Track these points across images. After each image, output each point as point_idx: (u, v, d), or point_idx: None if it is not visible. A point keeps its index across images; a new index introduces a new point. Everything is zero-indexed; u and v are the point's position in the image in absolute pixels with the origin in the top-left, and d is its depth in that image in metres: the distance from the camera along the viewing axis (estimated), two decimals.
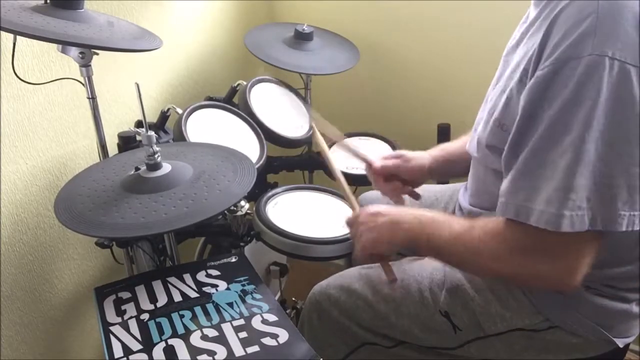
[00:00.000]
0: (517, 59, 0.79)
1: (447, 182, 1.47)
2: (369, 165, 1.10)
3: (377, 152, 1.42)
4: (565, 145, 0.65)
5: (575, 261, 0.69)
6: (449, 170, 1.12)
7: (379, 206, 0.90)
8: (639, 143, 0.64)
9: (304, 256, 1.01)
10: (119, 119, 1.27)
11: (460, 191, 1.02)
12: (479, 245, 0.76)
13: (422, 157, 1.09)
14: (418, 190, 1.14)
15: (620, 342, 0.84)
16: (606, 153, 0.64)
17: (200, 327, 0.75)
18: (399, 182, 1.09)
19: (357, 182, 1.36)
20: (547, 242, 0.69)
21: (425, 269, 0.95)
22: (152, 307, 0.80)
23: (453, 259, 0.82)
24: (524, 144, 0.70)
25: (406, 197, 1.12)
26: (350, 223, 0.93)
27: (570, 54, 0.65)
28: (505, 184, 0.73)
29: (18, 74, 0.97)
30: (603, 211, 0.65)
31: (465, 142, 1.02)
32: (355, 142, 1.48)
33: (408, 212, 0.87)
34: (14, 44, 0.92)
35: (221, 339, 0.73)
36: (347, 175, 1.33)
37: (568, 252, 0.69)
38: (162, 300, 0.81)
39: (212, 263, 0.90)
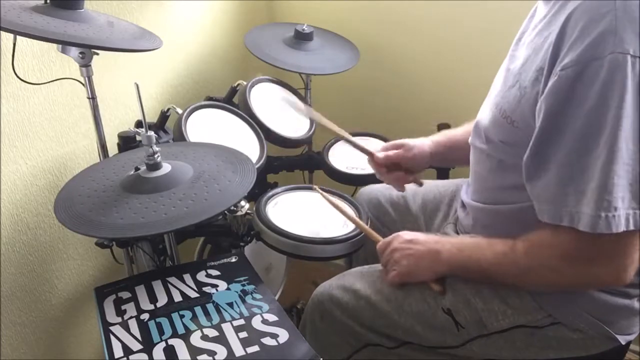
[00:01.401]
0: (526, 54, 0.79)
1: (448, 177, 1.47)
2: (371, 156, 1.10)
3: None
4: (602, 145, 0.66)
5: (628, 258, 0.71)
6: (451, 156, 1.12)
7: (414, 234, 0.92)
8: None
9: (304, 256, 1.01)
10: (119, 119, 1.27)
11: (463, 188, 1.02)
12: (526, 259, 0.77)
13: (424, 143, 1.10)
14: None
15: (622, 339, 0.84)
16: (635, 150, 0.65)
17: (201, 327, 0.75)
18: (402, 171, 1.09)
19: (357, 182, 1.37)
20: (599, 245, 0.70)
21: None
22: (152, 307, 0.80)
23: (504, 279, 0.83)
24: (554, 148, 0.70)
25: (409, 185, 1.12)
26: (383, 248, 0.94)
27: (592, 53, 0.65)
28: (545, 189, 0.73)
29: (18, 74, 0.97)
30: (634, 210, 0.66)
31: (468, 130, 1.02)
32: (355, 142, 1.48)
33: (446, 241, 0.89)
34: (14, 44, 0.92)
35: (221, 339, 0.73)
36: (347, 175, 1.34)
37: (620, 251, 0.71)
38: (162, 300, 0.81)
39: (212, 263, 0.90)
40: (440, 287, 0.89)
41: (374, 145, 1.47)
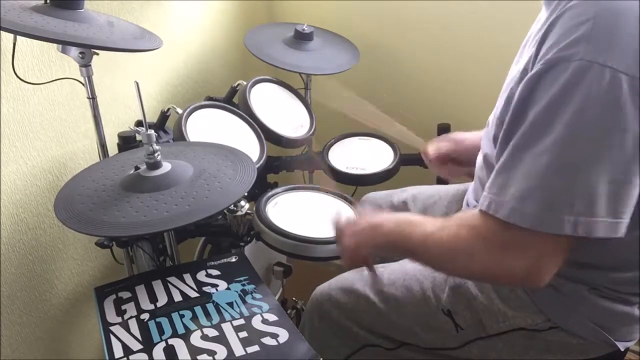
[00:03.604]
0: (525, 59, 0.79)
1: (447, 182, 1.47)
2: (425, 153, 1.11)
3: (377, 152, 1.43)
4: (546, 145, 0.65)
5: (544, 260, 0.69)
6: None
7: (365, 212, 0.91)
8: (624, 150, 0.63)
9: (304, 256, 1.01)
10: (119, 118, 1.27)
11: (470, 188, 1.02)
12: (448, 240, 0.75)
13: (475, 135, 1.08)
14: (422, 190, 1.14)
15: (622, 346, 0.83)
16: (591, 159, 0.63)
17: (201, 327, 0.75)
18: (454, 164, 1.09)
19: (357, 182, 1.37)
20: (516, 237, 0.68)
21: (427, 268, 0.94)
22: (152, 307, 0.80)
23: (425, 258, 0.80)
24: (509, 141, 0.70)
25: (410, 190, 1.13)
26: (338, 233, 0.92)
27: (560, 56, 0.64)
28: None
29: (18, 74, 0.97)
30: (584, 217, 0.64)
31: None
32: (355, 142, 1.48)
33: (391, 216, 0.86)
34: (14, 44, 0.92)
35: (221, 339, 0.73)
36: (347, 175, 1.34)
37: (539, 250, 0.68)
38: (162, 300, 0.81)
39: (212, 263, 0.90)
40: (377, 277, 0.89)
41: (374, 145, 1.47)
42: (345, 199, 1.15)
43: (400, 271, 0.96)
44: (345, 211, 1.11)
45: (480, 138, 1.03)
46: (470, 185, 1.02)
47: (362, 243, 0.86)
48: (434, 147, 1.09)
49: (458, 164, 1.09)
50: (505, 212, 0.68)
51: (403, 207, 1.16)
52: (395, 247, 0.83)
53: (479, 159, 0.92)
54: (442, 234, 0.76)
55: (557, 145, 0.64)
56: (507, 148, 0.70)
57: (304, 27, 1.49)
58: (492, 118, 0.84)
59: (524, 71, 0.73)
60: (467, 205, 0.99)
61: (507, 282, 0.80)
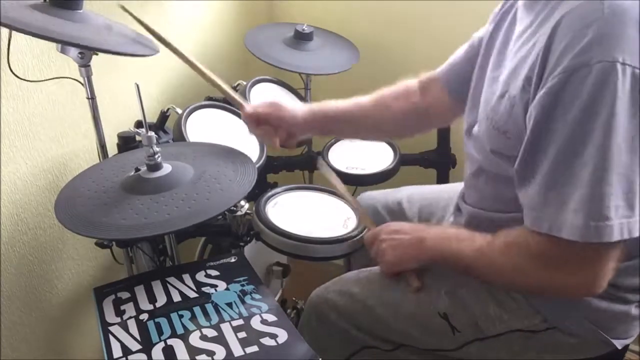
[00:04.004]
0: (513, 64, 0.78)
1: (447, 179, 1.47)
2: (242, 108, 1.08)
3: (377, 152, 1.43)
4: (589, 154, 0.65)
5: (599, 270, 0.70)
6: (331, 128, 1.12)
7: (401, 224, 0.92)
8: None
9: (303, 256, 1.01)
10: (119, 119, 1.27)
11: (460, 194, 1.02)
12: (499, 258, 0.77)
13: (297, 107, 1.08)
14: (417, 190, 1.14)
15: (619, 344, 0.84)
16: (628, 159, 0.64)
17: (200, 327, 0.75)
18: (269, 127, 1.06)
19: (357, 182, 1.37)
20: (571, 253, 0.69)
21: (423, 272, 0.94)
22: (151, 307, 0.80)
23: (478, 273, 0.83)
24: (541, 155, 0.70)
25: (407, 190, 1.13)
26: (371, 240, 0.94)
27: (579, 61, 0.64)
28: (531, 196, 0.72)
29: (17, 74, 0.97)
30: (627, 219, 0.65)
31: (355, 103, 1.06)
32: (355, 142, 1.48)
33: (431, 228, 0.89)
34: (9, 41, 0.92)
35: (220, 339, 0.73)
36: (347, 175, 1.34)
37: (593, 261, 0.69)
38: (161, 300, 0.81)
39: (212, 263, 0.90)
40: (419, 283, 0.90)
41: (374, 145, 1.47)
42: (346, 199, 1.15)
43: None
44: (345, 211, 1.11)
45: (300, 110, 1.06)
46: (460, 192, 1.01)
47: (405, 258, 0.89)
48: (252, 108, 1.07)
49: (275, 129, 1.06)
50: (568, 231, 0.67)
51: (398, 207, 1.15)
52: (443, 261, 0.86)
53: (472, 166, 0.92)
54: (493, 254, 0.78)
55: (599, 151, 0.64)
56: (545, 164, 0.69)
57: (304, 27, 1.49)
58: (485, 127, 0.83)
59: (527, 79, 0.72)
60: (459, 210, 0.99)
61: (565, 295, 0.80)
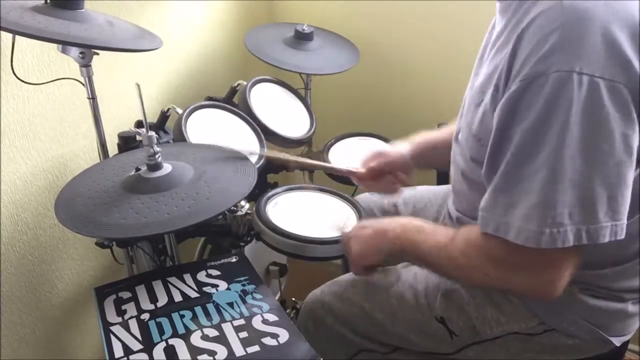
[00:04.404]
0: (487, 71, 0.78)
1: (448, 181, 1.47)
2: (353, 175, 1.12)
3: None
4: (540, 161, 0.65)
5: (556, 274, 0.69)
6: (434, 157, 1.12)
7: (370, 220, 0.93)
8: (613, 153, 0.63)
9: (303, 256, 1.01)
10: (119, 119, 1.27)
11: (450, 198, 1.02)
12: (459, 257, 0.76)
13: (399, 147, 1.11)
14: (412, 191, 1.14)
15: (617, 341, 0.84)
16: (583, 167, 0.64)
17: (201, 327, 0.76)
18: (389, 176, 1.10)
19: None
20: (526, 257, 0.69)
21: (420, 275, 0.95)
22: (152, 307, 0.80)
23: (437, 268, 0.83)
24: (500, 160, 0.70)
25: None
26: (345, 240, 0.94)
27: (537, 70, 0.64)
28: (485, 198, 0.73)
29: (18, 75, 0.97)
30: (586, 225, 0.65)
31: (447, 131, 1.03)
32: (355, 142, 1.48)
33: (394, 221, 0.88)
34: (13, 44, 0.92)
35: (221, 339, 0.73)
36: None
37: (548, 266, 0.69)
38: (162, 300, 0.81)
39: (213, 263, 0.90)
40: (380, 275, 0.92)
41: (374, 145, 1.47)
42: (346, 199, 1.15)
43: (394, 276, 0.97)
44: (345, 211, 1.11)
45: (404, 148, 1.08)
46: (450, 197, 1.01)
47: (368, 250, 0.88)
48: (363, 169, 1.11)
49: (393, 176, 1.10)
50: (513, 234, 0.68)
51: (393, 209, 1.16)
52: (403, 253, 0.85)
53: (457, 172, 0.92)
54: (453, 251, 0.77)
55: (551, 158, 0.64)
56: (501, 168, 0.70)
57: (304, 27, 1.49)
58: (466, 134, 0.84)
59: (495, 87, 0.72)
60: (450, 215, 0.99)
61: (524, 295, 0.81)
